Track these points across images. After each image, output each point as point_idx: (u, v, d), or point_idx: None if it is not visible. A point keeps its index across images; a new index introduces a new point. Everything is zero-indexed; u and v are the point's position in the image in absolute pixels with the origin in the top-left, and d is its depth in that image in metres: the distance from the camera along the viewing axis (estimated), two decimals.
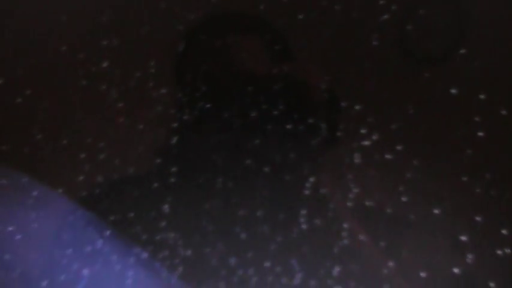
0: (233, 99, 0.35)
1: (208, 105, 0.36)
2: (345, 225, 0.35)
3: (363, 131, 0.36)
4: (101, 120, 0.35)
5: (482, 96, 0.35)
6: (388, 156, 0.35)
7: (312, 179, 0.35)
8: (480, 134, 0.35)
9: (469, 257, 0.34)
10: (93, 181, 0.34)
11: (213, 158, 0.35)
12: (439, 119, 0.35)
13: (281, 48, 0.35)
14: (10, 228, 0.34)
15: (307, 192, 0.35)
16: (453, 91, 0.35)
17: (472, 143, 0.35)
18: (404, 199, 0.35)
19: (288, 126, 0.35)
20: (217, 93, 0.35)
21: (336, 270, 0.34)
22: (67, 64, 0.35)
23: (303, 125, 0.35)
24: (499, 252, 0.34)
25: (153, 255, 0.34)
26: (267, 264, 0.34)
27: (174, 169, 0.35)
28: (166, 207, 0.35)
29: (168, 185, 0.35)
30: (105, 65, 0.35)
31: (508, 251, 0.34)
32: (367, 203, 0.35)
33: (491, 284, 0.34)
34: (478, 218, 0.35)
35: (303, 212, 0.35)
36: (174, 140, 0.35)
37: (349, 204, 0.35)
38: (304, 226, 0.35)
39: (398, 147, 0.36)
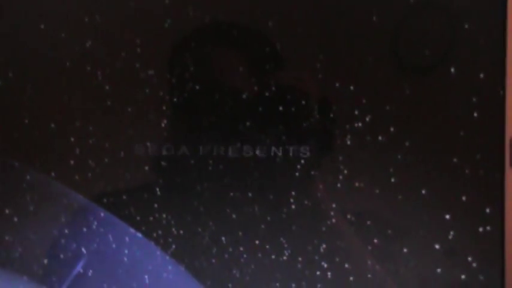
0: (223, 81, 0.34)
1: (198, 87, 0.35)
2: (333, 205, 0.36)
3: (356, 112, 0.35)
4: (88, 103, 0.34)
5: (481, 76, 0.34)
6: (380, 138, 0.35)
7: (302, 161, 0.36)
8: (475, 114, 0.35)
9: (451, 234, 0.36)
10: (84, 165, 0.34)
11: (203, 141, 0.35)
12: (435, 100, 0.35)
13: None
14: (7, 211, 0.35)
15: (297, 174, 0.36)
16: (452, 70, 0.34)
17: (465, 124, 0.35)
18: (393, 180, 0.36)
19: (280, 108, 0.35)
20: (208, 75, 0.34)
21: (323, 247, 0.36)
22: (47, 44, 0.33)
23: (295, 107, 0.35)
24: (481, 229, 0.35)
25: (147, 235, 0.36)
26: (257, 242, 0.36)
27: (164, 152, 0.35)
28: (157, 190, 0.36)
29: (159, 168, 0.35)
30: (88, 44, 0.33)
31: (488, 228, 0.35)
32: (357, 184, 0.36)
33: (469, 259, 0.36)
34: (464, 198, 0.36)
35: (293, 193, 0.36)
36: (164, 122, 0.35)
37: (339, 185, 0.36)
38: (293, 206, 0.36)
39: (392, 129, 0.35)
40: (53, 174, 0.34)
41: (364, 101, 0.35)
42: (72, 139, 0.34)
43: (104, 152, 0.34)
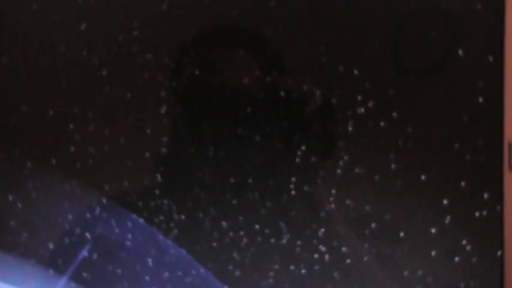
0: (223, 68, 0.33)
1: (197, 72, 0.34)
2: (333, 191, 0.36)
3: (359, 97, 0.35)
4: (86, 89, 0.34)
5: (486, 61, 0.33)
6: (382, 124, 0.35)
7: (303, 148, 0.36)
8: (480, 100, 0.34)
9: (448, 219, 0.36)
10: (84, 152, 0.34)
11: (203, 127, 0.35)
12: (437, 86, 0.34)
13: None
14: (10, 198, 0.35)
15: (298, 160, 0.36)
16: (460, 52, 0.34)
17: (470, 110, 0.34)
18: (393, 166, 0.36)
19: (281, 94, 0.34)
20: (207, 60, 0.33)
21: (321, 231, 0.37)
22: (41, 27, 0.32)
23: (296, 94, 0.34)
24: (477, 214, 0.36)
25: (149, 220, 0.36)
26: (257, 226, 0.37)
27: (165, 139, 0.35)
28: (158, 176, 0.36)
29: (159, 154, 0.35)
30: (83, 27, 0.32)
31: (485, 213, 0.36)
32: (357, 170, 0.36)
33: (464, 242, 0.37)
34: (463, 183, 0.36)
35: (293, 179, 0.36)
36: (163, 109, 0.35)
37: (339, 171, 0.36)
38: (293, 192, 0.36)
39: (394, 114, 0.35)
40: (53, 161, 0.34)
41: (367, 86, 0.34)
42: (72, 126, 0.34)
43: (103, 139, 0.34)
